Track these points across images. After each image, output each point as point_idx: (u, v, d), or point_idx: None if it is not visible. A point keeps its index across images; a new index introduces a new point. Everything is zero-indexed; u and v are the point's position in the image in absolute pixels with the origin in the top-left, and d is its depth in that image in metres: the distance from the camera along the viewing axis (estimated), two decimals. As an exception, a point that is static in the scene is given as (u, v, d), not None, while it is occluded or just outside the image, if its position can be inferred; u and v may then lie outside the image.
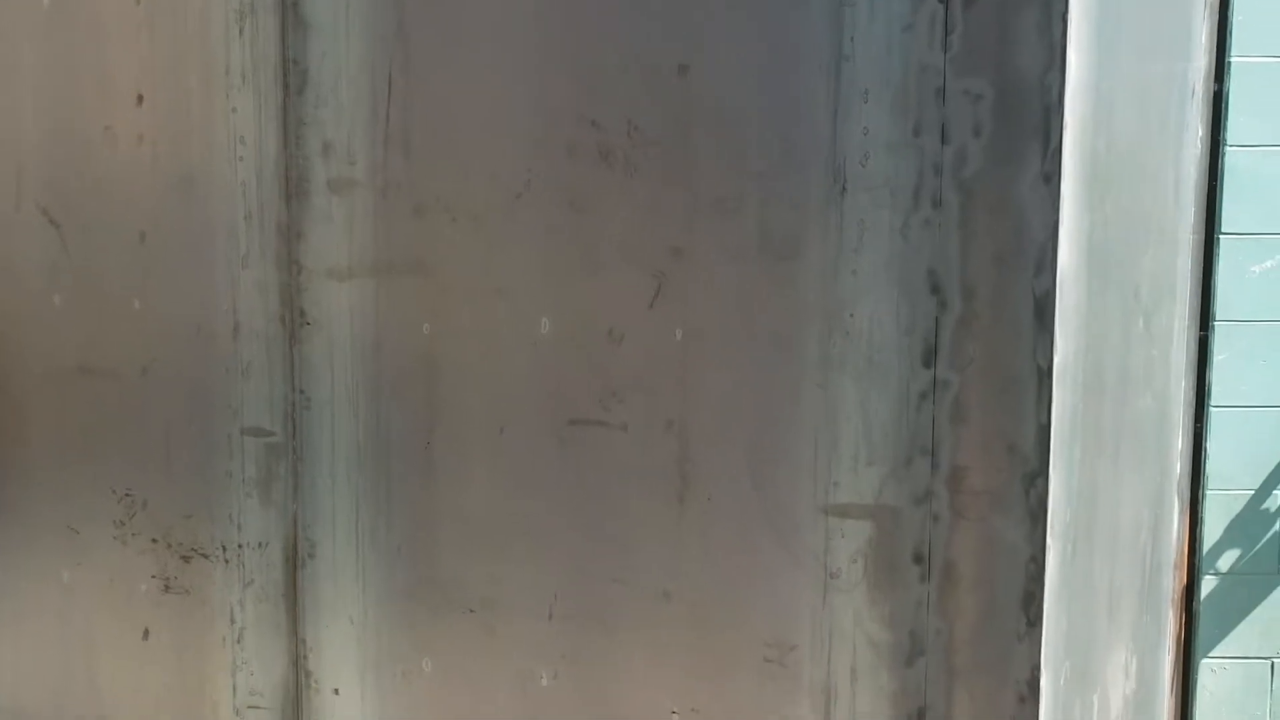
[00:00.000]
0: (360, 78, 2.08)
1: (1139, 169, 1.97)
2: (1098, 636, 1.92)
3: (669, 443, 1.85)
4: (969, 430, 1.62)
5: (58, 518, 2.58)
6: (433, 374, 2.05)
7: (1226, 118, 2.67)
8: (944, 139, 1.61)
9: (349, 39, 2.08)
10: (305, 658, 2.27)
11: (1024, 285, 1.57)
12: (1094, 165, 1.68)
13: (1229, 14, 2.59)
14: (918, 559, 1.67)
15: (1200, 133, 2.53)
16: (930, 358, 1.64)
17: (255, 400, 2.27)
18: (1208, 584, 2.77)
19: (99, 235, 2.45)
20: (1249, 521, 2.76)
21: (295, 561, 2.26)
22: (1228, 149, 2.68)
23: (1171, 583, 2.61)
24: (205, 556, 2.37)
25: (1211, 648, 2.77)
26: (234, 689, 2.36)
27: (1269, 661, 2.78)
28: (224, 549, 2.34)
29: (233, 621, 2.35)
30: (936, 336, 1.63)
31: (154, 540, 2.44)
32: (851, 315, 1.69)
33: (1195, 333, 2.63)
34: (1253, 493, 2.76)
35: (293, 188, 2.18)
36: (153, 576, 2.45)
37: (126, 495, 2.48)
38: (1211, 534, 2.76)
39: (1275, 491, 2.76)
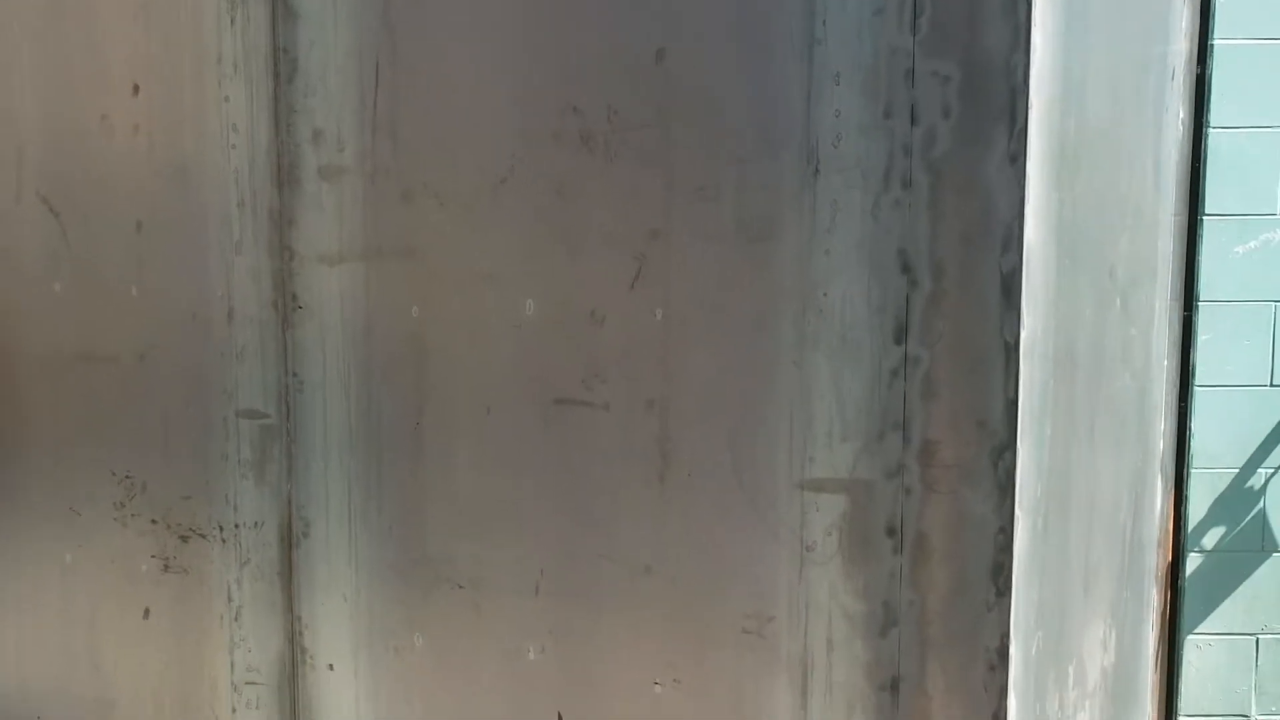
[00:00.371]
0: (348, 66, 2.12)
1: (1113, 150, 2.00)
2: (1073, 609, 1.95)
3: (650, 421, 1.89)
4: (939, 405, 1.66)
5: (60, 501, 2.64)
6: (421, 356, 2.10)
7: (1210, 100, 2.69)
8: (913, 120, 1.64)
9: (337, 28, 2.12)
10: (301, 634, 2.32)
11: (991, 263, 1.60)
12: (1062, 146, 1.72)
13: (1211, -2, 2.62)
14: (890, 532, 1.71)
15: (1182, 115, 2.56)
16: (901, 335, 1.68)
17: (250, 383, 2.31)
18: (1193, 561, 2.80)
19: (97, 224, 2.49)
20: (1233, 500, 2.80)
21: (290, 541, 2.31)
22: (1211, 131, 2.70)
23: (1155, 560, 2.64)
24: (203, 537, 2.42)
25: (1197, 624, 2.81)
26: (232, 666, 2.42)
27: (1253, 637, 2.82)
28: (221, 529, 2.40)
29: (230, 600, 2.40)
30: (907, 314, 1.67)
31: (153, 521, 2.49)
32: (825, 294, 1.72)
33: (1179, 313, 2.66)
34: (1237, 471, 2.79)
35: (284, 175, 2.22)
36: (152, 557, 2.50)
37: (126, 478, 2.53)
38: (1196, 512, 2.79)
39: (1259, 470, 2.79)
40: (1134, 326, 2.25)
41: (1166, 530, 2.71)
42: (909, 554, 1.69)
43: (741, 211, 1.78)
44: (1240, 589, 2.81)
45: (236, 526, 2.37)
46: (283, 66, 2.19)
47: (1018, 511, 1.62)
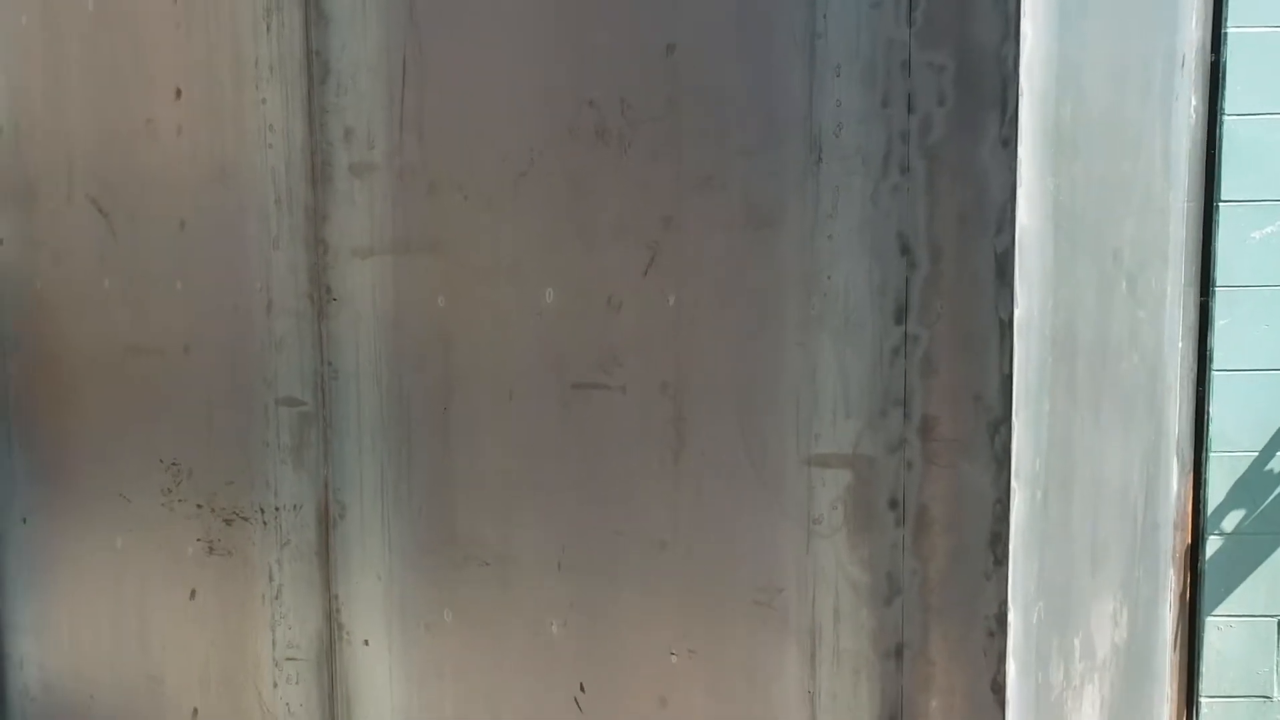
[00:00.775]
0: (378, 66, 2.22)
1: (1116, 136, 2.05)
2: (1078, 582, 2.01)
3: (664, 403, 1.97)
4: (938, 382, 1.72)
5: (110, 487, 2.77)
6: (448, 344, 2.19)
7: (1224, 87, 2.72)
8: (910, 109, 1.71)
9: (366, 30, 2.23)
10: (338, 612, 2.42)
11: (985, 244, 1.66)
12: (1058, 131, 1.77)
13: (1224, -14, 2.65)
14: (893, 504, 1.77)
15: (1194, 102, 2.60)
16: (901, 315, 1.74)
17: (288, 372, 2.43)
18: (1213, 544, 2.83)
19: (143, 222, 2.62)
20: (1253, 483, 2.82)
21: (327, 522, 2.41)
22: (1226, 118, 2.73)
23: (1172, 541, 2.68)
24: (245, 520, 2.54)
25: (1217, 606, 2.84)
26: (273, 643, 2.53)
27: (1274, 619, 2.84)
28: (262, 512, 2.51)
29: (271, 580, 2.51)
30: (907, 295, 1.74)
31: (199, 506, 2.61)
32: (829, 277, 1.79)
33: (1195, 298, 2.69)
34: (1256, 455, 2.82)
35: (318, 172, 2.33)
36: (198, 540, 2.62)
37: (173, 464, 2.65)
38: (1215, 495, 2.82)
39: (1279, 454, 2.82)
40: (1142, 309, 2.30)
41: (1185, 512, 2.75)
42: (911, 526, 1.76)
43: (748, 199, 1.86)
44: (1260, 571, 2.83)
45: (277, 509, 2.48)
46: (316, 68, 2.30)
47: (1014, 484, 1.68)
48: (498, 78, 2.09)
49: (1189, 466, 2.75)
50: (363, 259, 2.28)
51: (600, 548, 2.06)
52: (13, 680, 3.07)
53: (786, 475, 1.86)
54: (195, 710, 2.69)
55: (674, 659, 2.01)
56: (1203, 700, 2.83)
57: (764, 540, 1.89)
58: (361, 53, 2.24)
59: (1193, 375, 2.74)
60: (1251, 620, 2.85)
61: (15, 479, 2.98)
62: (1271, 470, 2.82)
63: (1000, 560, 1.69)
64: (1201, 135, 2.66)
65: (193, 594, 2.66)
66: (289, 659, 2.51)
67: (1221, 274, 2.77)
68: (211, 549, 2.61)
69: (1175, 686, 2.76)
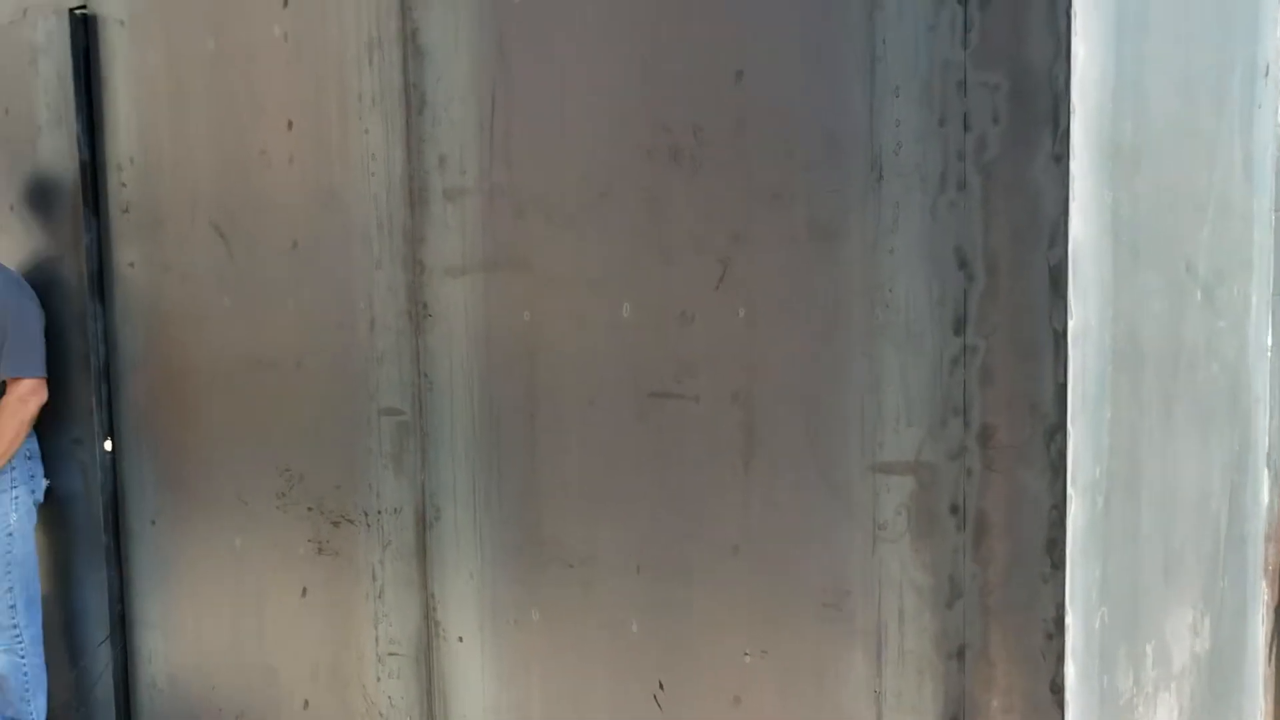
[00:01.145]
0: (469, 97, 2.37)
1: (1185, 148, 2.07)
2: (1148, 590, 2.02)
3: (735, 411, 2.06)
4: (995, 391, 1.77)
5: (231, 491, 2.98)
6: (533, 357, 2.32)
7: (1315, 94, 2.69)
8: (966, 127, 1.77)
9: (459, 63, 2.38)
10: (435, 609, 2.57)
11: (1039, 257, 1.71)
12: (1116, 145, 1.81)
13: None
14: (954, 510, 1.83)
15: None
16: (960, 326, 1.80)
17: (388, 384, 2.59)
18: (1309, 558, 2.78)
19: (259, 245, 2.82)
20: (1351, 495, 2.76)
21: (424, 524, 2.56)
22: (1317, 125, 2.70)
23: (1262, 554, 2.64)
24: (351, 522, 2.71)
25: (1314, 621, 2.78)
26: (376, 639, 2.69)
27: (1376, 635, 2.77)
28: (366, 515, 2.68)
29: (374, 579, 2.67)
30: (965, 306, 1.79)
31: (309, 509, 2.80)
32: (890, 290, 1.86)
33: (1287, 307, 2.66)
34: (1355, 466, 2.75)
35: (415, 197, 2.49)
36: (309, 540, 2.80)
37: (286, 470, 2.84)
38: (1311, 507, 2.77)
39: (1379, 465, 2.75)
40: (1222, 319, 2.30)
41: (1275, 525, 2.71)
42: (971, 530, 1.81)
43: (813, 215, 1.94)
44: (1360, 585, 2.77)
45: (379, 512, 2.65)
46: (413, 100, 2.46)
47: (1070, 490, 1.72)
48: (579, 105, 2.21)
49: (1282, 478, 2.72)
50: (455, 278, 2.43)
51: (676, 551, 2.16)
52: (142, 674, 3.31)
53: (852, 482, 1.93)
54: (306, 702, 2.87)
55: (747, 659, 2.09)
56: (1300, 716, 2.78)
57: (831, 545, 1.96)
58: (454, 85, 2.39)
59: (1285, 385, 2.70)
60: (1351, 635, 2.78)
61: (145, 484, 3.22)
62: (1371, 482, 2.76)
63: (1058, 564, 1.73)
64: (1290, 143, 2.63)
65: (304, 591, 2.84)
66: (390, 654, 2.67)
67: (1314, 282, 2.73)
68: (321, 549, 2.79)
69: (1270, 699, 2.71)
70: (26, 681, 3.26)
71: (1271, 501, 2.67)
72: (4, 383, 3.23)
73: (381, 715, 2.70)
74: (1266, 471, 2.62)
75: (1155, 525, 2.04)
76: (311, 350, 2.75)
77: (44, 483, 3.34)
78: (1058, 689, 1.74)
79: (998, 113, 1.74)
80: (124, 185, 3.14)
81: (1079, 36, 1.68)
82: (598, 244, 2.20)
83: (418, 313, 2.51)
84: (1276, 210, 2.59)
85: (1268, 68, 2.48)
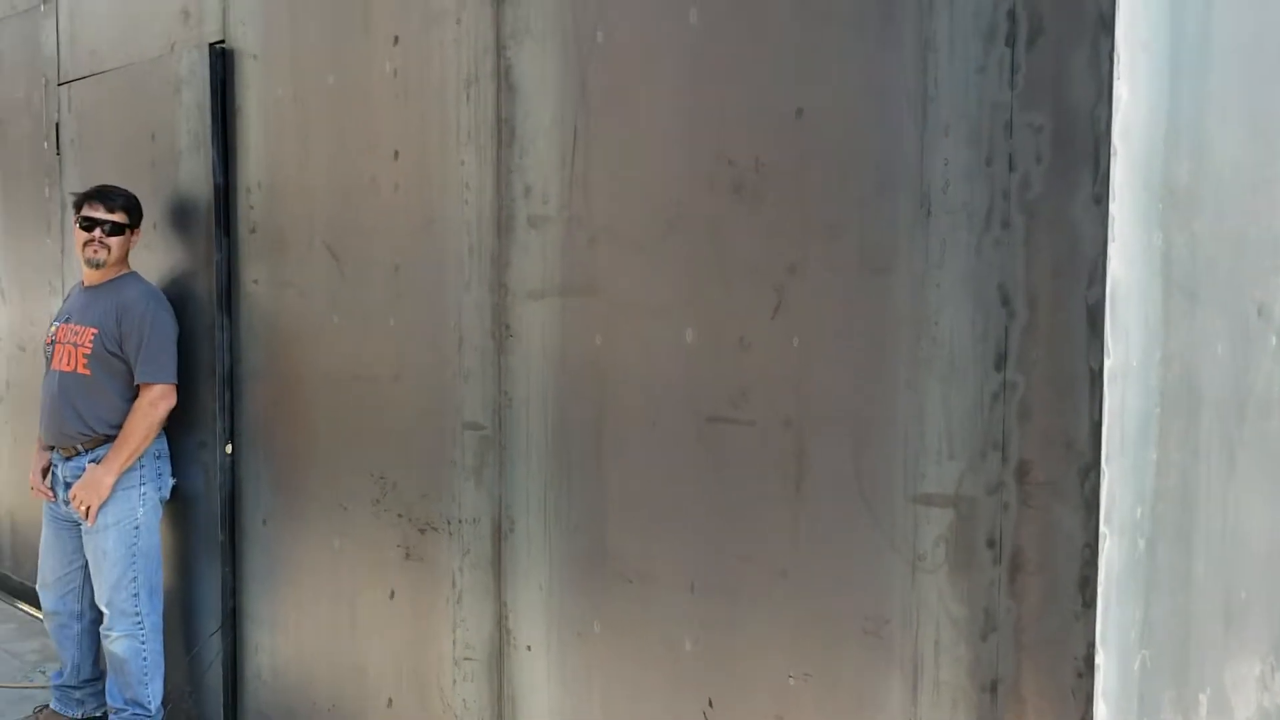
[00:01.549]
0: (553, 131, 2.50)
1: (1253, 190, 2.04)
2: (1203, 638, 1.99)
3: (787, 438, 2.12)
4: (1034, 427, 1.79)
5: (333, 496, 3.17)
6: (602, 378, 2.42)
7: None
8: (1011, 167, 1.80)
9: (545, 100, 2.52)
10: (506, 618, 2.69)
11: (1078, 295, 1.73)
12: (1169, 188, 1.81)
13: None
14: (990, 544, 1.85)
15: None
16: (1001, 361, 1.83)
17: (472, 400, 2.73)
18: None
19: (366, 266, 3.01)
20: None
21: (500, 535, 2.69)
22: None
23: (1353, 612, 2.54)
24: (435, 529, 2.85)
25: None
26: (454, 643, 2.82)
27: None
28: (448, 523, 2.82)
29: (454, 585, 2.81)
30: (1006, 342, 1.82)
31: (399, 515, 2.96)
32: (936, 323, 1.90)
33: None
34: None
35: (503, 224, 2.63)
36: (397, 546, 2.96)
37: (381, 478, 3.01)
38: None
39: None
40: (1301, 366, 2.24)
41: (1370, 583, 2.60)
42: (1006, 565, 1.83)
43: (865, 249, 1.99)
44: None
45: (460, 521, 2.78)
46: (504, 134, 2.61)
47: (1104, 528, 1.73)
48: (651, 139, 2.32)
49: (1380, 535, 2.61)
50: (535, 300, 2.55)
51: (728, 571, 2.22)
52: (249, 664, 3.53)
53: (895, 511, 1.97)
54: (390, 700, 3.02)
55: (791, 681, 2.13)
56: (1395, 786, 2.65)
57: (873, 572, 2.00)
58: (541, 119, 2.52)
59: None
60: None
61: (259, 486, 3.44)
62: None
63: (1089, 603, 1.73)
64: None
65: (392, 594, 3.00)
66: (466, 659, 2.80)
67: None
68: (408, 554, 2.94)
69: (1361, 768, 2.60)
70: (145, 666, 3.51)
71: (1367, 559, 2.57)
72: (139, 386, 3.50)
73: (456, 717, 2.82)
74: (1360, 527, 2.53)
75: (1213, 573, 2.01)
76: (407, 366, 2.91)
77: (171, 481, 3.60)
78: (1086, 727, 1.74)
79: (1041, 153, 1.77)
80: (252, 208, 3.39)
81: (1122, 80, 1.70)
82: (664, 272, 2.30)
83: (501, 333, 2.65)
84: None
85: (1365, 110, 2.41)
